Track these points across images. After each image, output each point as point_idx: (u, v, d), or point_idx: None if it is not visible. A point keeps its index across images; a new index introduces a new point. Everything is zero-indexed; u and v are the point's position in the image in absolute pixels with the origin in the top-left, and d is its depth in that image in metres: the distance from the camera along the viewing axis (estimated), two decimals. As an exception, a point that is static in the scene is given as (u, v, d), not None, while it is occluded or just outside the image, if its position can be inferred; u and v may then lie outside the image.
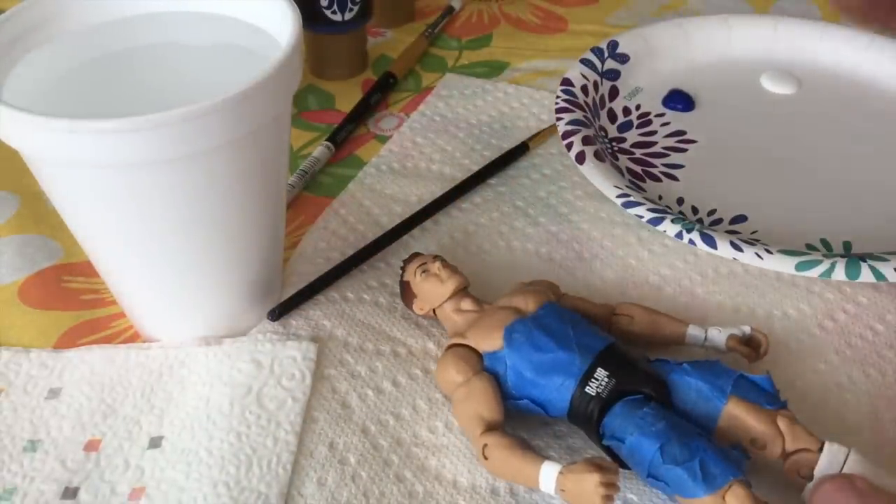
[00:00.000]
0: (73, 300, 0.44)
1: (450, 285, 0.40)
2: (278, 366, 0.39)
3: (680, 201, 0.49)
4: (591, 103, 0.54)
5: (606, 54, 0.57)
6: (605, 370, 0.35)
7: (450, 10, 0.68)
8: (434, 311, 0.40)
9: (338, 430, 0.37)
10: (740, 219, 0.48)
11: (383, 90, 0.59)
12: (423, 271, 0.40)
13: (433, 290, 0.40)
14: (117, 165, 0.32)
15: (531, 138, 0.53)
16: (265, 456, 0.36)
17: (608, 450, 0.35)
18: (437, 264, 0.40)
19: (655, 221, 0.44)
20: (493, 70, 0.62)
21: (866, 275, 0.41)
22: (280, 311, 0.42)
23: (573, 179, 0.51)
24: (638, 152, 0.53)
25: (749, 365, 0.39)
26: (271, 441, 0.36)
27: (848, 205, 0.49)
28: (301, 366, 0.39)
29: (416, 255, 0.42)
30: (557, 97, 0.53)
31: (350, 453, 0.36)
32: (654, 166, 0.51)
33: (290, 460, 0.36)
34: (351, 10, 0.57)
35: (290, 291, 0.43)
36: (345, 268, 0.44)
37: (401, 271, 0.42)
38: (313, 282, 0.43)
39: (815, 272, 0.42)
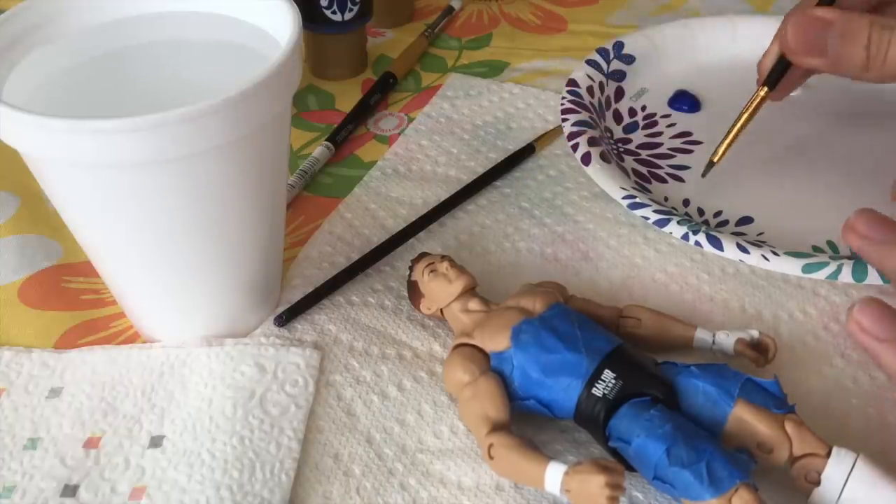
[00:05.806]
0: (73, 300, 0.43)
1: (458, 285, 0.39)
2: (281, 371, 0.39)
3: (686, 202, 0.48)
4: (596, 104, 0.54)
5: (612, 55, 0.57)
6: (613, 372, 0.35)
7: (450, 10, 0.68)
8: (441, 310, 0.40)
9: (343, 441, 0.37)
10: (746, 220, 0.47)
11: (383, 90, 0.58)
12: (431, 271, 0.40)
13: (441, 289, 0.40)
14: (117, 165, 0.32)
15: (537, 139, 0.53)
16: (268, 461, 0.35)
17: (614, 452, 0.34)
18: (446, 264, 0.40)
19: (661, 223, 0.44)
20: (493, 70, 0.61)
21: (873, 277, 0.41)
22: (287, 317, 0.41)
23: (579, 180, 0.51)
24: (644, 153, 0.52)
25: (756, 369, 0.38)
26: (274, 447, 0.36)
27: (854, 207, 0.48)
28: (304, 373, 0.39)
29: (424, 254, 0.41)
30: (563, 98, 0.53)
31: (355, 464, 0.36)
32: (660, 167, 0.51)
33: (292, 467, 0.35)
34: (351, 10, 0.57)
35: (295, 295, 0.43)
36: (351, 272, 0.44)
37: (409, 271, 0.42)
38: (320, 287, 0.43)
39: (821, 274, 0.41)
